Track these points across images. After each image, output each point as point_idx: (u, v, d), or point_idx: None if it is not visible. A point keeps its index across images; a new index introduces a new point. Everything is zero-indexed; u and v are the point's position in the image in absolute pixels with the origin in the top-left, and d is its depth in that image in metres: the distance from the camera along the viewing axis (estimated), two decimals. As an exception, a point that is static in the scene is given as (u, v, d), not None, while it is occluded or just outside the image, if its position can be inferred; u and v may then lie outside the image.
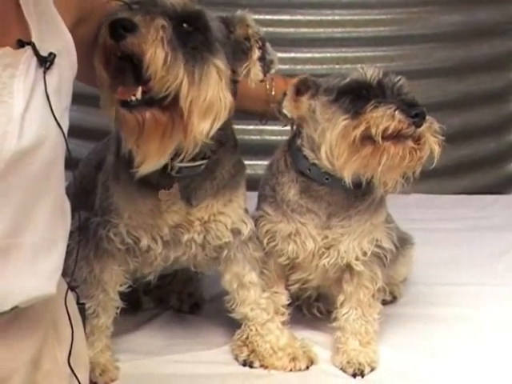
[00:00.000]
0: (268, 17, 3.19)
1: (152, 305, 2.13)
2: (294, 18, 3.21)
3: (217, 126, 1.59)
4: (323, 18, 3.21)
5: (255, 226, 1.87)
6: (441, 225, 2.76)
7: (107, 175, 1.78)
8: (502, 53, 3.50)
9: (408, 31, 3.30)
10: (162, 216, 1.73)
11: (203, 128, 1.57)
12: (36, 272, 1.36)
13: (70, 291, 1.51)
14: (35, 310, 1.42)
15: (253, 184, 1.91)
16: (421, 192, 2.99)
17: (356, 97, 1.72)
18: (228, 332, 1.96)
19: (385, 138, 1.66)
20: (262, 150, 2.80)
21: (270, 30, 3.17)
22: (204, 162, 1.71)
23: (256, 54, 1.67)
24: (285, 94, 1.80)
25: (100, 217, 1.78)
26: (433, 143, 1.68)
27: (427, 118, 1.68)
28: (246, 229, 1.82)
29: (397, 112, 1.65)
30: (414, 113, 1.65)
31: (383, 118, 1.65)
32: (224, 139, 1.74)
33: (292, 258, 1.88)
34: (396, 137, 1.66)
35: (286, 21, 3.21)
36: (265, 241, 1.88)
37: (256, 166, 2.60)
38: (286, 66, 3.17)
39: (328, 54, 3.23)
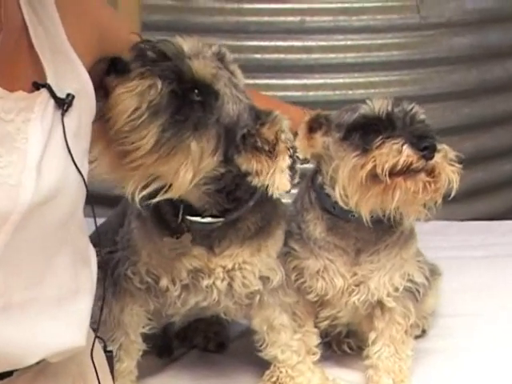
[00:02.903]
0: (279, 43, 3.17)
1: (183, 349, 2.06)
2: (306, 43, 3.18)
3: (162, 196, 1.51)
4: (335, 43, 3.18)
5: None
6: (462, 252, 2.68)
7: (131, 209, 1.72)
8: (516, 74, 3.48)
9: (421, 55, 3.28)
10: (181, 259, 1.67)
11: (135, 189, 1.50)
12: (62, 323, 1.31)
13: (96, 339, 1.46)
14: (62, 364, 1.37)
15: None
16: (435, 218, 2.95)
17: (365, 133, 1.67)
18: (256, 372, 1.90)
19: (395, 173, 1.61)
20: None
21: (282, 56, 3.18)
22: (218, 220, 1.63)
23: (286, 161, 1.56)
24: (296, 134, 1.74)
25: (121, 252, 1.73)
26: (450, 172, 1.64)
27: (441, 147, 1.64)
28: (276, 277, 1.75)
29: (405, 146, 1.60)
30: (423, 146, 1.60)
31: (389, 154, 1.61)
32: (245, 201, 1.65)
33: (321, 295, 1.83)
34: (407, 171, 1.62)
35: (298, 47, 3.18)
36: (292, 277, 1.82)
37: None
38: (299, 93, 3.16)
39: (341, 80, 3.20)
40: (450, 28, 3.27)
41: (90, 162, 1.44)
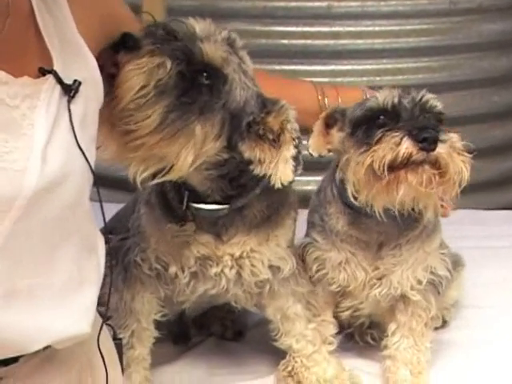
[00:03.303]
0: (306, 28, 3.13)
1: (200, 337, 2.05)
2: (334, 29, 3.13)
3: (160, 178, 1.49)
4: (363, 28, 3.14)
5: (303, 253, 1.80)
6: (489, 242, 2.64)
7: (141, 195, 1.72)
8: (547, 61, 3.42)
9: (450, 41, 3.21)
10: (189, 247, 1.66)
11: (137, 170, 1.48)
12: (67, 311, 1.30)
13: (104, 327, 1.45)
14: (69, 350, 1.36)
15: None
16: (464, 207, 2.91)
17: (369, 127, 1.64)
18: (273, 361, 1.89)
19: (396, 167, 1.57)
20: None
21: (309, 42, 3.14)
22: (223, 207, 1.62)
23: (290, 152, 1.54)
24: (310, 132, 1.72)
25: (131, 238, 1.73)
26: (459, 163, 1.58)
27: (446, 137, 1.58)
28: (287, 266, 1.72)
29: (404, 139, 1.56)
30: (422, 137, 1.56)
31: (386, 148, 1.56)
32: (251, 188, 1.63)
33: (343, 286, 1.81)
34: (408, 164, 1.57)
35: (325, 32, 3.13)
36: (314, 268, 1.80)
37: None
38: (326, 79, 3.11)
39: (368, 66, 3.16)
40: (481, 14, 3.21)
41: (97, 148, 1.42)
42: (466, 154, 1.60)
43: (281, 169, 1.53)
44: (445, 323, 2.08)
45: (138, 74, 1.41)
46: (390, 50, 3.17)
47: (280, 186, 1.54)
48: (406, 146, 1.56)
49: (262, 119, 1.54)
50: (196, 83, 1.46)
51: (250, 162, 1.56)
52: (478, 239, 2.66)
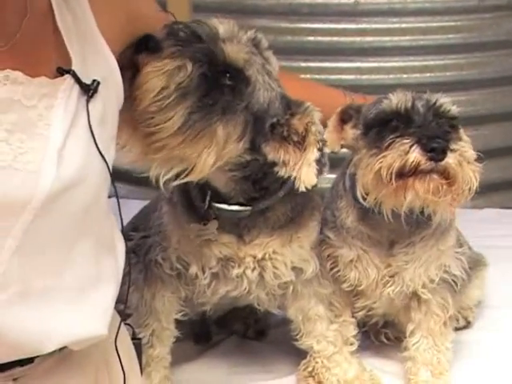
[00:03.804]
0: (332, 25, 3.12)
1: (222, 336, 2.05)
2: (360, 26, 3.13)
3: (182, 179, 1.48)
4: (390, 25, 3.13)
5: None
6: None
7: (163, 194, 1.70)
8: None
9: (479, 38, 3.19)
10: (210, 247, 1.65)
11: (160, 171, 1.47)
12: (83, 312, 1.30)
13: (123, 326, 1.44)
14: (85, 351, 1.35)
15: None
16: (490, 206, 2.89)
17: (381, 130, 1.63)
18: (294, 360, 1.88)
19: (405, 174, 1.56)
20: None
21: (335, 39, 3.14)
22: (245, 208, 1.61)
23: (314, 154, 1.52)
24: (325, 127, 1.70)
25: (152, 237, 1.72)
26: (469, 172, 1.57)
27: (456, 146, 1.57)
28: (310, 268, 1.71)
29: (413, 147, 1.55)
30: (431, 147, 1.54)
31: (394, 156, 1.55)
32: (274, 191, 1.62)
33: (355, 285, 1.80)
34: (417, 172, 1.56)
35: (352, 29, 3.13)
36: (328, 265, 1.80)
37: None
38: (352, 76, 3.12)
39: (395, 63, 3.15)
40: (510, 11, 3.17)
41: (120, 149, 1.43)
42: (475, 163, 1.59)
43: (304, 172, 1.51)
44: (468, 324, 2.07)
45: (157, 75, 1.39)
46: (417, 47, 3.15)
47: (304, 189, 1.52)
48: (415, 155, 1.55)
49: (286, 121, 1.53)
50: (218, 84, 1.44)
51: (273, 165, 1.55)
52: (501, 238, 2.63)
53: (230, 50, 1.46)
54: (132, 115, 1.42)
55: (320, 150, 1.52)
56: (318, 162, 1.52)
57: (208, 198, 1.62)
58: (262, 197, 1.61)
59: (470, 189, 1.58)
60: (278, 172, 1.54)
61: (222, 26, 1.49)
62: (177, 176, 1.49)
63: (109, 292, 1.35)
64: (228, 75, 1.46)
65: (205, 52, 1.44)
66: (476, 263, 2.02)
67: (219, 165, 1.48)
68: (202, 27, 1.47)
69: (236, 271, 1.66)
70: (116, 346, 1.40)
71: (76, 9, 1.35)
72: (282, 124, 1.53)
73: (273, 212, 1.64)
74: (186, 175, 1.47)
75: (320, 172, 1.52)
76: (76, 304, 1.28)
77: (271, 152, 1.53)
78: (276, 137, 1.53)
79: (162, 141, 1.41)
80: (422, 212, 1.67)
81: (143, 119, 1.41)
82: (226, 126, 1.44)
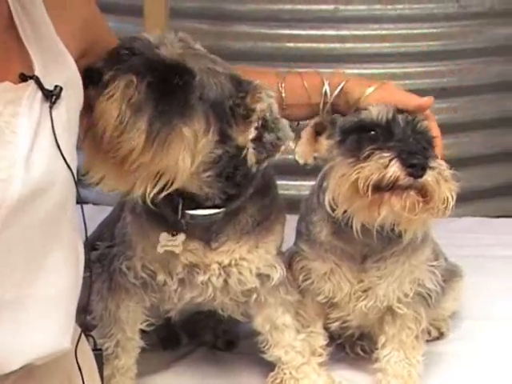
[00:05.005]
0: (313, 32, 3.12)
1: (191, 346, 2.02)
2: (340, 32, 3.12)
3: (168, 189, 1.50)
4: (370, 32, 3.13)
5: (291, 261, 1.78)
6: (491, 251, 2.59)
7: (127, 203, 1.70)
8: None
9: (460, 45, 3.19)
10: (176, 254, 1.63)
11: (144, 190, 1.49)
12: (48, 326, 1.28)
13: (83, 337, 1.43)
14: (48, 366, 1.33)
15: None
16: (469, 214, 2.87)
17: (360, 138, 1.61)
18: (264, 372, 1.86)
19: (382, 188, 1.54)
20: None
21: (315, 45, 3.14)
22: (219, 211, 1.61)
23: (252, 134, 1.53)
24: (299, 138, 1.68)
25: (117, 246, 1.71)
26: (445, 191, 1.55)
27: (434, 164, 1.55)
28: (276, 274, 1.70)
29: (393, 162, 1.52)
30: (411, 163, 1.52)
31: (372, 168, 1.53)
32: (244, 187, 1.62)
33: (329, 297, 1.78)
34: (395, 187, 1.54)
35: (332, 36, 3.13)
36: (300, 277, 1.78)
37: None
38: (332, 83, 3.09)
39: (375, 70, 3.14)
40: (490, 18, 3.18)
41: (97, 181, 1.47)
42: (453, 182, 1.57)
43: (250, 151, 1.53)
44: (441, 335, 2.05)
45: (110, 102, 1.42)
46: (398, 54, 3.15)
47: (253, 169, 1.55)
48: (394, 170, 1.52)
49: (241, 100, 1.54)
50: (166, 87, 1.47)
51: (243, 159, 1.55)
52: (480, 248, 2.60)
53: (165, 51, 1.50)
54: (99, 148, 1.44)
55: (258, 128, 1.52)
56: (258, 141, 1.52)
57: (180, 207, 1.60)
58: (236, 195, 1.61)
59: (446, 207, 1.56)
60: (246, 164, 1.55)
61: (152, 35, 1.54)
62: (162, 188, 1.50)
63: (72, 304, 1.34)
64: (172, 75, 1.48)
65: (143, 62, 1.47)
66: (452, 274, 2.00)
67: (197, 163, 1.50)
68: (134, 42, 1.52)
69: (201, 278, 1.66)
70: (76, 358, 1.38)
71: (35, 16, 1.35)
72: (239, 104, 1.54)
73: (242, 214, 1.64)
74: (171, 184, 1.49)
75: (259, 152, 1.52)
76: (45, 317, 1.27)
77: (239, 136, 1.54)
78: (239, 119, 1.54)
79: (136, 161, 1.43)
80: (392, 229, 1.64)
81: (112, 148, 1.43)
82: (189, 124, 1.47)
